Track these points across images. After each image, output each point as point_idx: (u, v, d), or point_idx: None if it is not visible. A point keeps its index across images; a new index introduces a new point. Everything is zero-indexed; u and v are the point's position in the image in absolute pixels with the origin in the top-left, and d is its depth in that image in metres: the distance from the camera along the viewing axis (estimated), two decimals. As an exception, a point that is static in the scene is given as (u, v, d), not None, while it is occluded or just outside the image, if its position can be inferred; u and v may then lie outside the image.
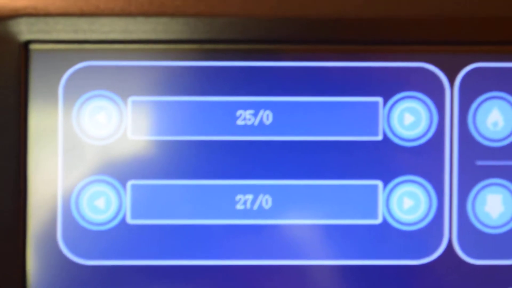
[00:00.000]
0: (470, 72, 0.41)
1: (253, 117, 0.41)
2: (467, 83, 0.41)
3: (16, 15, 0.40)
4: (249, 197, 0.41)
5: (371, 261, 0.41)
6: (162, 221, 0.41)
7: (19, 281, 0.40)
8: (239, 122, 0.41)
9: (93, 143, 0.41)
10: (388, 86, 0.41)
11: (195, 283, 0.41)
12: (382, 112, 0.41)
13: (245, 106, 0.41)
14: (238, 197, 0.41)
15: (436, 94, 0.41)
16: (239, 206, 0.41)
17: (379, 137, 0.41)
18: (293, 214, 0.41)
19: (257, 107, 0.41)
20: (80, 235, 0.41)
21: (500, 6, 0.41)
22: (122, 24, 0.41)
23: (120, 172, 0.41)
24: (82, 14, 0.41)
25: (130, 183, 0.41)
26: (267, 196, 0.41)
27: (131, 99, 0.41)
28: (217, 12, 0.40)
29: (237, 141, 0.41)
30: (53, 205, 0.41)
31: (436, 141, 0.41)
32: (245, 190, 0.41)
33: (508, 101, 0.42)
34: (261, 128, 0.41)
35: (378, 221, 0.42)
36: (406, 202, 0.42)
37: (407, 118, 0.42)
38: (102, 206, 0.41)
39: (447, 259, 0.42)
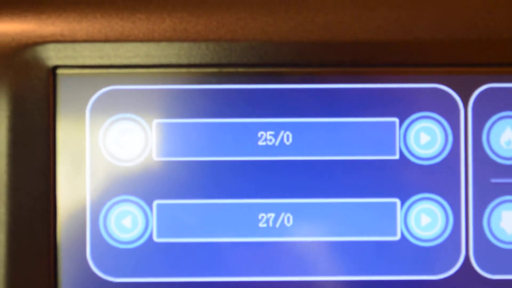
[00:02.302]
0: (483, 93, 0.42)
1: (274, 138, 0.42)
2: (480, 103, 0.42)
3: (44, 41, 0.41)
4: (271, 215, 0.42)
5: (391, 276, 0.42)
6: (187, 239, 0.42)
7: (50, 299, 0.41)
8: (260, 143, 0.42)
9: (119, 164, 0.42)
10: (404, 107, 0.42)
11: (219, 299, 0.42)
12: (398, 132, 0.42)
13: (266, 127, 0.42)
14: (261, 215, 0.42)
15: (450, 114, 0.42)
16: (262, 224, 0.42)
17: (396, 156, 0.42)
18: (313, 231, 0.42)
19: (277, 128, 0.42)
20: (109, 253, 0.42)
21: (510, 29, 0.41)
22: (145, 49, 0.41)
23: (146, 192, 0.42)
24: (107, 40, 0.41)
25: (156, 202, 0.42)
26: (289, 214, 0.42)
27: (155, 121, 0.42)
28: (237, 37, 0.41)
29: (258, 161, 0.42)
30: (82, 224, 0.42)
31: (451, 159, 0.42)
32: (267, 208, 0.42)
33: (521, 120, 0.42)
34: (281, 148, 0.42)
35: (397, 237, 0.42)
36: (424, 219, 0.42)
37: (423, 138, 0.42)
38: (129, 225, 0.42)
39: (465, 274, 0.42)
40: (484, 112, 0.42)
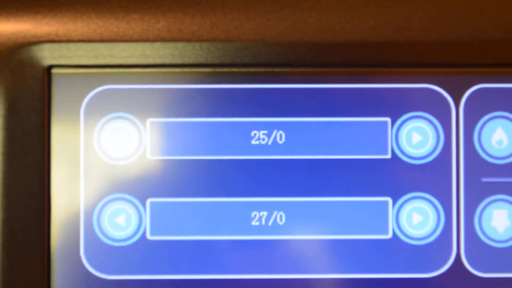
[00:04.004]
0: (475, 93, 0.42)
1: (267, 137, 0.42)
2: (471, 103, 0.42)
3: (39, 41, 0.42)
4: (264, 213, 0.42)
5: (382, 274, 0.42)
6: (181, 237, 0.42)
7: (44, 296, 0.42)
8: (254, 142, 0.42)
9: (113, 163, 0.42)
10: (396, 107, 0.42)
11: (212, 297, 0.42)
12: (390, 131, 0.42)
13: (259, 126, 0.42)
14: (254, 213, 0.42)
15: (442, 114, 0.42)
16: (255, 223, 0.42)
17: (388, 156, 0.42)
18: (306, 229, 0.42)
19: (270, 127, 0.42)
20: (102, 251, 0.42)
21: (501, 30, 0.42)
22: (140, 49, 0.42)
23: (139, 190, 0.42)
24: (102, 40, 0.42)
25: (149, 200, 0.42)
26: (281, 213, 0.42)
27: (149, 120, 0.42)
28: (231, 37, 0.41)
29: (252, 160, 0.42)
30: (76, 222, 0.42)
31: (443, 159, 0.42)
32: (260, 207, 0.42)
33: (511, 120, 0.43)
34: (274, 147, 0.42)
35: (389, 236, 0.42)
36: (415, 218, 0.42)
37: (415, 137, 0.42)
38: (122, 223, 0.42)
39: (456, 272, 0.42)
40: (476, 112, 0.42)
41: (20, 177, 0.41)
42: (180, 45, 0.42)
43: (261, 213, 0.42)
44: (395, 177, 0.42)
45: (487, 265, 0.43)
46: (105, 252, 0.42)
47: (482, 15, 0.42)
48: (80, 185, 0.42)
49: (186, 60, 0.42)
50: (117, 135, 0.43)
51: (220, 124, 0.42)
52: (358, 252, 0.42)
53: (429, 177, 0.42)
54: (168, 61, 0.42)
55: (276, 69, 0.42)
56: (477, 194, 0.42)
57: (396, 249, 0.42)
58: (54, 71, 0.42)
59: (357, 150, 0.42)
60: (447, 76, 0.42)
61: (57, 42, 0.42)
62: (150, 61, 0.42)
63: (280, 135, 0.42)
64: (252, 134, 0.42)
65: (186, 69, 0.42)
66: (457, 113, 0.42)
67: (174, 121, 0.42)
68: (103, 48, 0.42)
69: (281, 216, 0.42)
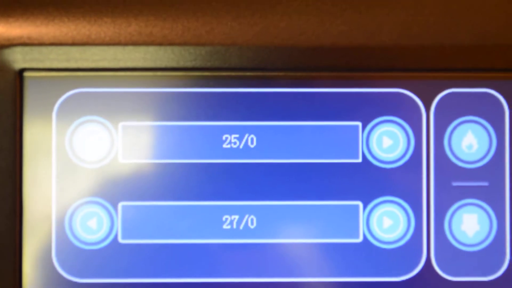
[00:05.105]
0: (445, 98, 0.43)
1: (238, 141, 0.42)
2: (442, 108, 0.43)
3: (11, 44, 0.42)
4: (235, 217, 0.42)
5: (353, 278, 0.42)
6: (152, 241, 0.42)
7: (15, 299, 0.42)
8: (225, 145, 0.42)
9: (85, 166, 0.42)
10: (367, 111, 0.42)
11: (184, 300, 0.42)
12: (361, 135, 0.43)
13: (230, 130, 0.42)
14: (225, 217, 0.42)
15: (413, 119, 0.43)
16: (226, 226, 0.42)
17: (359, 160, 0.43)
18: (277, 233, 0.42)
19: (241, 131, 0.42)
20: (74, 254, 0.42)
21: (471, 35, 0.42)
22: (112, 52, 0.42)
23: (111, 194, 0.42)
24: (74, 44, 0.42)
25: (121, 204, 0.42)
26: (252, 216, 0.42)
27: (121, 124, 0.42)
28: (202, 41, 0.42)
29: (223, 163, 0.42)
30: (47, 225, 0.42)
31: (413, 163, 0.43)
32: (231, 210, 0.42)
33: (482, 125, 0.43)
34: (246, 151, 0.42)
35: (359, 239, 0.43)
36: (386, 222, 0.43)
37: (386, 142, 0.43)
38: (94, 227, 0.42)
39: (426, 276, 0.43)
40: (446, 117, 0.43)
41: (-9, 180, 0.41)
42: (151, 48, 0.42)
43: (233, 217, 0.42)
44: (366, 181, 0.43)
45: (457, 269, 0.43)
46: (77, 256, 0.42)
47: (453, 21, 0.42)
48: (52, 188, 0.42)
49: (158, 64, 0.42)
50: (89, 138, 0.43)
51: (192, 127, 0.42)
52: (329, 255, 0.42)
53: (399, 181, 0.43)
54: (139, 64, 0.42)
55: (247, 73, 0.42)
56: (447, 198, 0.43)
57: (367, 252, 0.43)
58: (26, 74, 0.42)
59: (328, 154, 0.42)
60: (418, 81, 0.42)
61: (29, 46, 0.42)
62: (122, 64, 0.42)
63: (252, 139, 0.42)
64: (224, 138, 0.42)
65: (158, 73, 0.42)
66: (428, 117, 0.43)
67: (146, 124, 0.42)
68: (75, 51, 0.42)
69: (252, 220, 0.42)
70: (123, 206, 0.42)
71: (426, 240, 0.43)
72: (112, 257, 0.42)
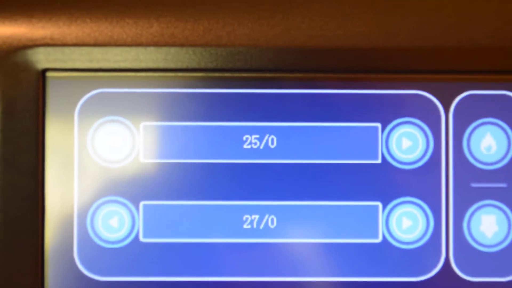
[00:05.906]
0: (464, 99, 0.43)
1: (259, 142, 0.43)
2: (461, 109, 0.43)
3: (34, 44, 0.42)
4: (255, 217, 0.43)
5: (372, 278, 0.43)
6: (173, 240, 0.43)
7: (38, 297, 0.42)
8: (246, 146, 0.43)
9: (107, 165, 0.43)
10: (387, 112, 0.43)
11: (204, 299, 0.43)
12: (380, 136, 0.43)
13: (251, 131, 0.43)
14: (245, 217, 0.43)
15: (432, 120, 0.43)
16: (246, 226, 0.43)
17: (378, 161, 0.43)
18: (297, 233, 0.43)
19: (262, 132, 0.43)
20: (95, 252, 0.43)
21: (490, 37, 0.42)
22: (133, 53, 0.42)
23: (133, 193, 0.43)
24: (96, 44, 0.42)
25: (142, 203, 0.43)
26: (272, 216, 0.43)
27: (142, 124, 0.43)
28: (223, 42, 0.42)
29: (243, 164, 0.43)
30: (69, 224, 0.43)
31: (432, 164, 0.43)
32: (251, 210, 0.43)
33: (500, 127, 0.43)
34: (266, 151, 0.43)
35: (378, 240, 0.43)
36: (405, 222, 0.43)
37: (405, 143, 0.43)
38: (116, 225, 0.43)
39: (445, 277, 0.43)
40: (465, 118, 0.43)
41: (14, 180, 0.42)
42: (173, 49, 0.42)
43: (253, 217, 0.43)
44: (385, 182, 0.43)
45: (475, 270, 0.43)
46: (98, 254, 0.43)
47: (472, 23, 0.42)
48: (74, 187, 0.43)
49: (179, 65, 0.42)
50: (110, 138, 0.43)
51: (213, 128, 0.43)
52: (348, 255, 0.43)
53: (418, 182, 0.43)
54: (161, 65, 0.42)
55: (268, 74, 0.42)
56: (466, 199, 0.43)
57: (386, 253, 0.43)
58: (49, 74, 0.42)
59: (348, 155, 0.43)
60: (437, 83, 0.43)
61: (52, 46, 0.42)
62: (144, 65, 0.42)
63: (272, 139, 0.43)
64: (244, 138, 0.43)
65: (179, 74, 0.42)
66: (447, 119, 0.43)
67: (167, 124, 0.43)
68: (97, 52, 0.42)
69: (272, 220, 0.43)
70: (145, 205, 0.43)
71: (445, 241, 0.43)
72: (133, 255, 0.43)
